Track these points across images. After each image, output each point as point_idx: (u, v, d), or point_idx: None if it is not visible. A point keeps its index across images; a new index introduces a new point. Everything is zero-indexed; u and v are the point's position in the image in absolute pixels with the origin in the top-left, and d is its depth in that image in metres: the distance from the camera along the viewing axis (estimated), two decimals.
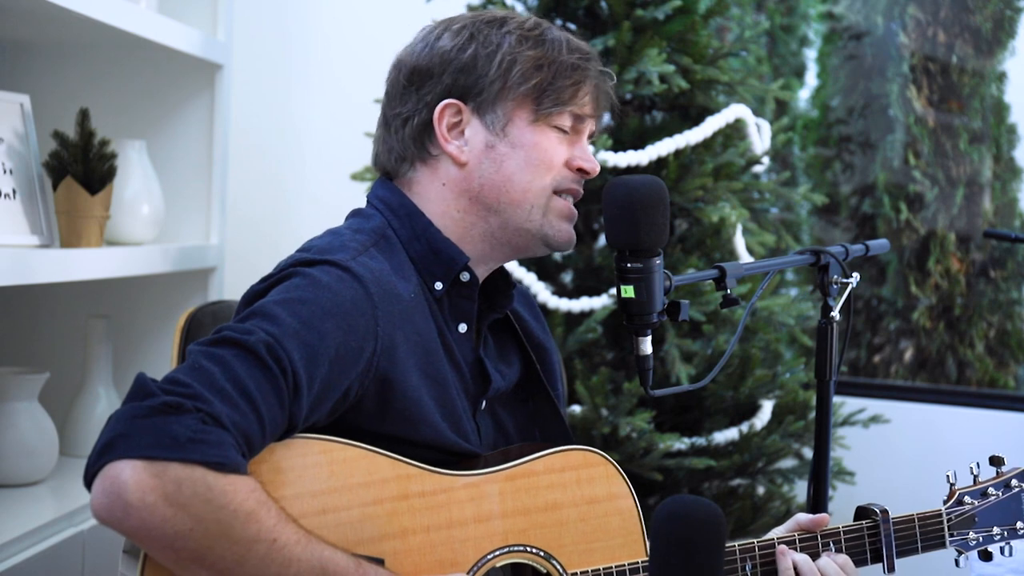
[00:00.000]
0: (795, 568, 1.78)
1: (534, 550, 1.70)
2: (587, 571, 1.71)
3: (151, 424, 1.42)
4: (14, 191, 2.37)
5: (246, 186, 3.52)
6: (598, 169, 1.82)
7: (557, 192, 1.78)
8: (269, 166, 3.66)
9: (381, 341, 1.63)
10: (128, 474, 1.40)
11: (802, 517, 1.85)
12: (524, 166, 1.76)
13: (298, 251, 1.72)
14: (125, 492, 1.39)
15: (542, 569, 1.71)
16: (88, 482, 1.43)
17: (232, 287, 3.02)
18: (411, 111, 1.78)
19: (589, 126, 1.82)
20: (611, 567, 1.72)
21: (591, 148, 1.84)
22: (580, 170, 1.79)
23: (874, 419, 3.30)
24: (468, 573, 1.65)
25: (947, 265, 4.07)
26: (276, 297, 1.60)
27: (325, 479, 1.57)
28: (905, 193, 4.10)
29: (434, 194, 1.78)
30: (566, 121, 1.78)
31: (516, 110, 1.75)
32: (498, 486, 1.69)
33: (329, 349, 1.57)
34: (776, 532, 1.84)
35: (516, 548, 1.69)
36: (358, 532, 1.58)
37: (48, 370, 2.56)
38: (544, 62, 1.75)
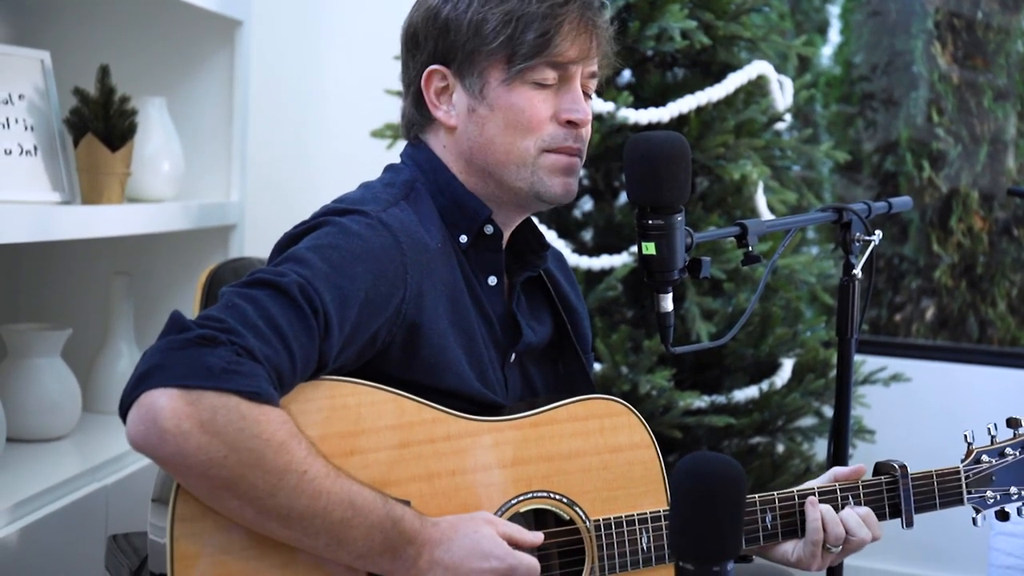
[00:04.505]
0: (821, 518, 1.80)
1: (557, 496, 1.71)
2: (609, 518, 1.72)
3: (186, 355, 1.44)
4: (35, 148, 2.38)
5: (266, 143, 3.52)
6: (589, 119, 1.76)
7: (548, 150, 1.74)
8: (289, 123, 3.65)
9: (410, 289, 1.64)
10: (164, 402, 1.41)
11: (839, 470, 1.88)
12: (503, 128, 1.73)
13: (332, 202, 1.73)
14: (161, 419, 1.41)
15: (565, 515, 1.72)
16: (124, 412, 1.45)
17: (252, 244, 3.03)
18: (409, 78, 1.80)
19: (579, 72, 1.75)
20: (633, 515, 1.73)
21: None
22: (569, 123, 1.74)
23: (895, 377, 3.29)
24: None
25: (970, 223, 4.04)
26: (308, 244, 1.62)
27: (353, 421, 1.59)
28: (928, 151, 4.08)
29: (441, 156, 1.79)
30: (547, 74, 1.72)
31: (490, 71, 1.72)
32: (522, 432, 1.70)
33: (359, 293, 1.58)
34: (811, 484, 1.87)
35: (539, 494, 1.70)
36: (384, 474, 1.59)
37: (70, 326, 2.57)
38: (512, 16, 1.70)
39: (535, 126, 1.73)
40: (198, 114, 2.90)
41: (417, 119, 1.80)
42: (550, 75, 1.73)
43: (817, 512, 1.80)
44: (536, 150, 1.74)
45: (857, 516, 1.81)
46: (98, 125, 2.42)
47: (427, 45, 1.75)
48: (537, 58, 1.71)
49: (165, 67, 2.89)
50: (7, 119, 2.34)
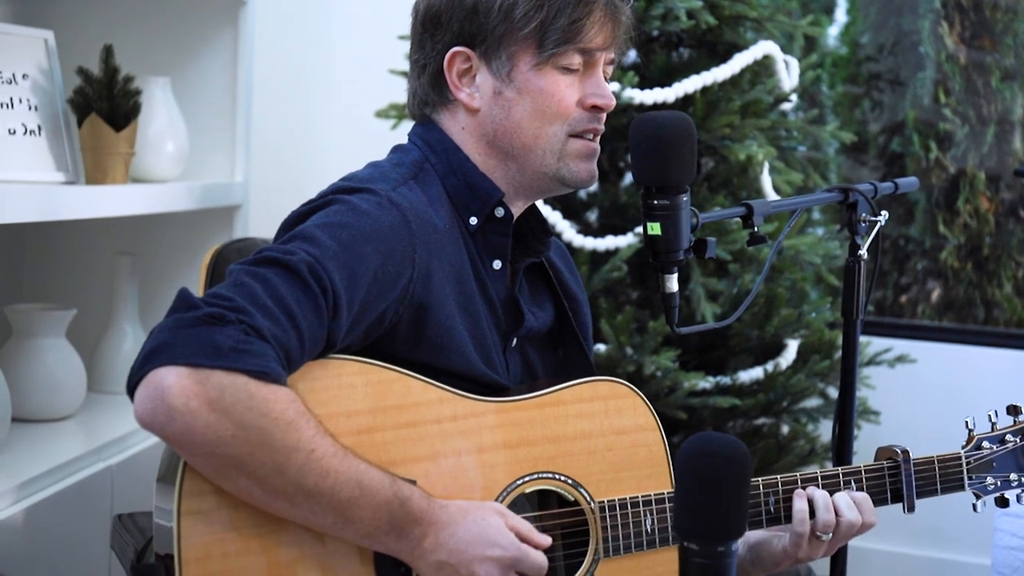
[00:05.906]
0: (810, 503, 1.79)
1: (562, 477, 1.71)
2: (614, 500, 1.72)
3: (195, 333, 1.44)
4: (39, 127, 2.38)
5: (270, 123, 3.51)
6: (613, 103, 1.78)
7: (573, 135, 1.76)
8: (293, 103, 3.64)
9: (418, 268, 1.64)
10: (172, 380, 1.41)
11: None
12: (532, 113, 1.74)
13: (339, 180, 1.73)
14: (169, 397, 1.41)
15: (569, 496, 1.72)
16: (131, 389, 1.45)
17: (257, 224, 3.03)
18: (427, 58, 1.79)
19: (603, 59, 1.78)
20: (637, 496, 1.73)
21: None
22: (595, 107, 1.76)
23: (900, 359, 3.29)
24: (497, 498, 1.67)
25: (976, 204, 4.03)
26: (317, 221, 1.61)
27: (360, 400, 1.59)
28: (935, 131, 4.06)
29: (457, 137, 1.79)
30: (574, 59, 1.74)
31: (520, 54, 1.73)
32: (528, 413, 1.70)
33: (368, 272, 1.58)
34: None
35: (545, 475, 1.70)
36: (391, 453, 1.59)
37: (75, 307, 2.57)
38: (544, 2, 1.71)
39: (563, 110, 1.74)
40: (202, 94, 2.89)
41: (433, 99, 1.79)
42: (576, 60, 1.75)
43: (803, 502, 1.79)
44: (564, 135, 1.75)
45: (848, 498, 1.80)
46: (102, 105, 2.42)
47: (451, 26, 1.74)
48: (568, 44, 1.72)
49: (169, 47, 2.88)
50: (11, 99, 2.34)
